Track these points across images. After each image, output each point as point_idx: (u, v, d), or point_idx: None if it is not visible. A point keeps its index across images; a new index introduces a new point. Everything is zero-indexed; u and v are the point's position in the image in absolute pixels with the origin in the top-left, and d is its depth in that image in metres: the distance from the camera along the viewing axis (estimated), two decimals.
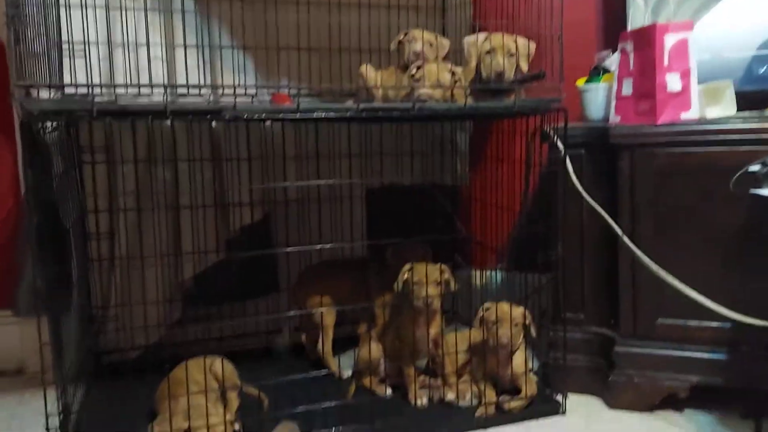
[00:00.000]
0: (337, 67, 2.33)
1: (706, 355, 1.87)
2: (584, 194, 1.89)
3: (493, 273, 2.56)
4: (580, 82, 2.22)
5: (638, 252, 1.80)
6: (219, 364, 1.83)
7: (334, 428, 1.70)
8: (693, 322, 1.87)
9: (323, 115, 1.66)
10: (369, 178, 2.45)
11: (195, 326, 2.25)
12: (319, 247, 1.89)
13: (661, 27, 1.86)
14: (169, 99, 2.09)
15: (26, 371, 2.22)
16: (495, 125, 2.51)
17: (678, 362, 1.88)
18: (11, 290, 2.13)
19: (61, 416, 1.52)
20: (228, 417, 1.65)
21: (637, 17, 2.22)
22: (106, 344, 2.18)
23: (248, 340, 2.30)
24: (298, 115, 1.63)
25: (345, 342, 2.21)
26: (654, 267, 1.77)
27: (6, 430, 1.86)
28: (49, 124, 1.75)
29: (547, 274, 1.95)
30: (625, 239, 1.83)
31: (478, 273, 2.59)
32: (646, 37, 1.89)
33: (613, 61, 2.21)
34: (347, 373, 2.11)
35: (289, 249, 2.03)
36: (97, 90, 2.00)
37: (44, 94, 1.88)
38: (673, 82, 1.87)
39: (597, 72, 2.19)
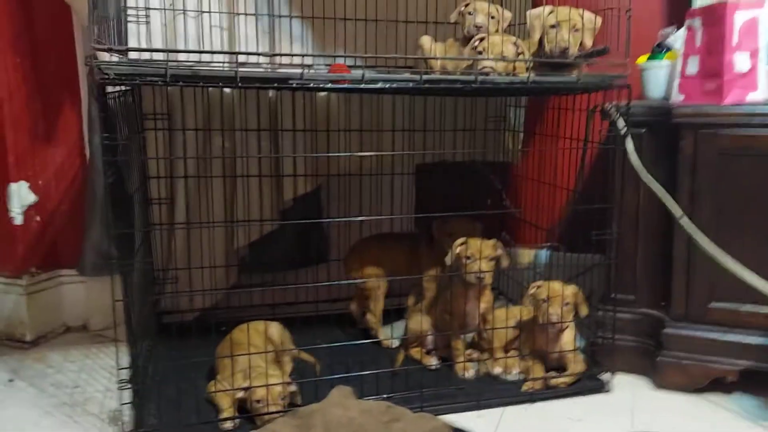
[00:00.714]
0: (393, 39, 2.33)
1: (758, 340, 1.85)
2: (644, 174, 1.86)
3: (541, 252, 2.56)
4: (642, 60, 2.17)
5: (697, 233, 1.78)
6: (275, 329, 1.90)
7: (385, 395, 1.75)
8: (746, 307, 1.86)
9: (387, 85, 1.66)
10: (419, 152, 2.46)
11: (249, 291, 2.32)
12: (364, 218, 1.92)
13: (732, 4, 1.81)
14: (228, 67, 2.18)
15: (90, 328, 2.33)
16: (550, 101, 2.48)
17: (728, 346, 1.87)
18: (77, 251, 2.22)
19: (131, 370, 1.59)
20: (285, 378, 1.71)
21: None
22: (165, 305, 2.27)
23: (299, 308, 2.36)
24: (362, 85, 1.64)
25: (392, 314, 2.25)
26: (712, 248, 1.75)
27: (76, 382, 1.97)
28: (116, 89, 1.80)
29: (597, 255, 1.94)
30: (685, 220, 1.81)
31: (525, 251, 2.60)
32: (716, 14, 1.84)
33: (677, 38, 2.15)
34: (395, 342, 2.16)
35: (337, 220, 2.06)
36: (160, 56, 2.08)
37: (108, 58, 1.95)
38: (741, 61, 1.82)
39: (660, 49, 2.14)
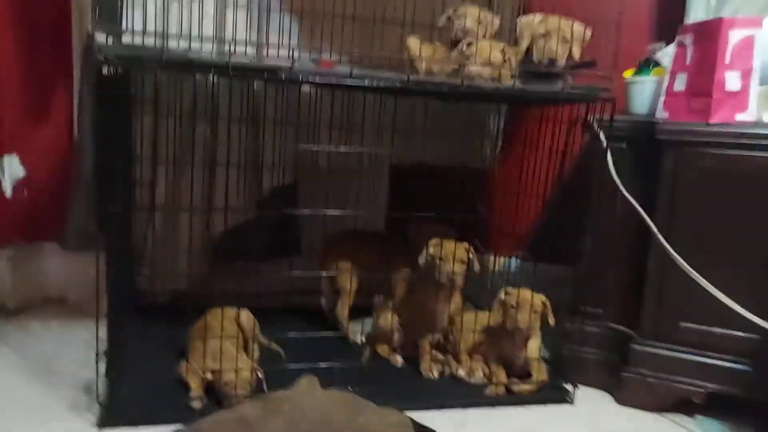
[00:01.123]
0: (379, 39, 2.32)
1: (726, 364, 1.85)
2: (622, 189, 1.86)
3: (510, 260, 2.55)
4: (628, 74, 2.16)
5: (672, 251, 1.78)
6: (245, 316, 1.93)
7: (350, 387, 1.76)
8: (717, 330, 1.85)
9: (374, 83, 1.67)
10: (395, 152, 2.46)
11: (220, 279, 2.35)
12: (337, 212, 1.94)
13: (728, 21, 1.79)
14: (215, 55, 2.20)
15: (68, 301, 2.37)
16: (529, 111, 2.47)
17: (696, 368, 1.87)
18: (60, 226, 2.26)
19: (108, 344, 1.64)
20: (251, 364, 1.74)
21: (698, 10, 2.13)
22: (140, 286, 2.30)
23: (267, 299, 2.38)
24: (348, 81, 1.65)
25: (360, 311, 2.27)
26: (686, 267, 1.75)
27: (56, 352, 2.02)
28: (107, 71, 1.82)
29: (567, 267, 1.94)
30: (659, 237, 1.80)
31: (494, 258, 2.59)
32: (710, 31, 1.82)
33: (665, 54, 2.14)
34: (360, 338, 2.17)
35: (308, 212, 2.07)
36: (150, 40, 2.10)
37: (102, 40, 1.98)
38: (732, 80, 1.80)
39: (647, 64, 2.13)
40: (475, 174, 2.57)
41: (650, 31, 2.34)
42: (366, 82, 1.68)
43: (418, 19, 2.28)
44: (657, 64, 2.09)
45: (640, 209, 1.85)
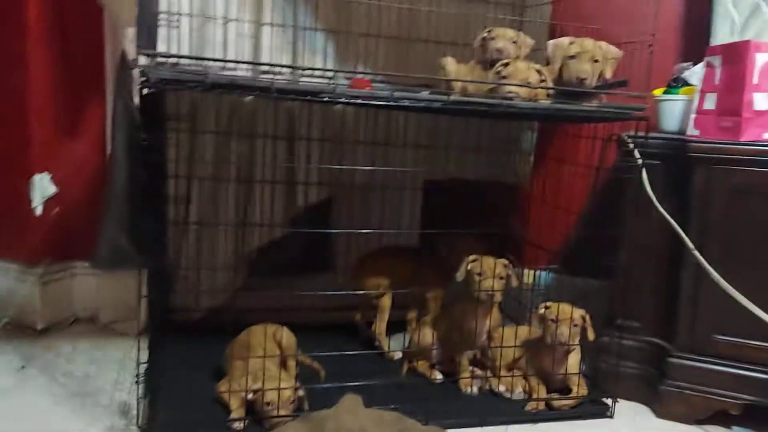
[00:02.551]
0: (412, 58, 2.37)
1: (763, 376, 1.88)
2: (658, 206, 1.90)
3: (543, 273, 2.59)
4: (658, 92, 2.21)
5: (706, 265, 1.81)
6: (284, 333, 1.92)
7: (392, 405, 1.77)
8: (753, 342, 1.88)
9: (415, 104, 1.70)
10: (429, 169, 2.49)
11: (256, 295, 2.35)
12: (369, 231, 1.95)
13: (755, 44, 1.85)
14: (251, 75, 2.23)
15: (99, 320, 2.34)
16: (560, 127, 2.52)
17: (733, 380, 1.90)
18: (91, 244, 2.24)
19: (147, 366, 1.62)
20: (292, 382, 1.73)
21: (722, 30, 2.20)
22: (173, 303, 2.29)
23: (303, 315, 2.38)
24: (390, 102, 1.68)
25: (395, 326, 2.27)
26: (722, 281, 1.78)
27: (86, 373, 1.99)
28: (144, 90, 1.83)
29: (600, 280, 1.97)
30: (695, 253, 1.84)
31: (527, 272, 2.62)
32: (737, 54, 1.89)
33: (693, 73, 2.20)
34: (398, 355, 2.18)
35: (340, 231, 2.09)
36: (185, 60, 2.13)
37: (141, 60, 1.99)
38: (760, 100, 1.86)
39: (676, 83, 2.19)
40: (508, 189, 2.61)
41: (677, 51, 2.41)
42: (407, 103, 1.71)
43: (450, 38, 2.35)
44: (686, 83, 2.15)
45: (674, 224, 1.89)
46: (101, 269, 2.25)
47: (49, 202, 2.25)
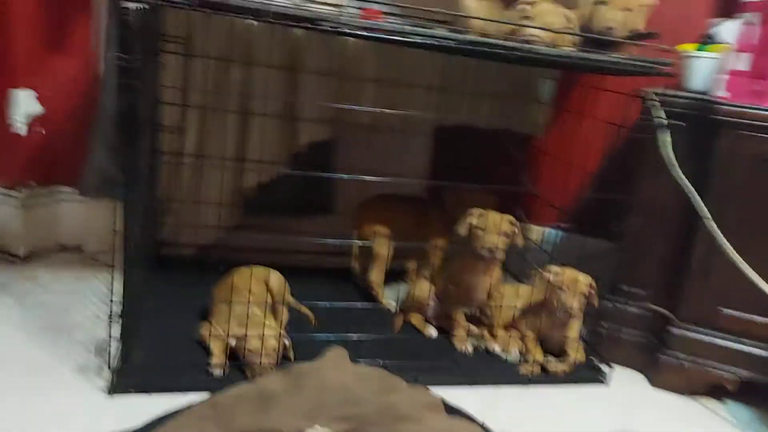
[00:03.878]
0: None
1: (764, 353, 1.82)
2: (677, 170, 1.79)
3: (552, 231, 2.51)
4: (688, 48, 2.07)
5: (720, 236, 1.73)
6: (275, 277, 1.85)
7: (380, 360, 1.71)
8: (759, 318, 1.82)
9: (426, 41, 1.57)
10: (441, 113, 2.36)
11: (250, 234, 2.26)
12: (373, 179, 1.84)
13: None
14: None
15: (85, 249, 2.26)
16: (583, 78, 2.38)
17: (733, 355, 1.84)
18: (79, 169, 2.14)
19: (123, 303, 1.53)
20: (278, 329, 1.66)
21: None
22: (165, 237, 2.20)
23: (299, 257, 2.31)
24: (398, 38, 1.55)
25: (392, 275, 2.19)
26: (734, 254, 1.70)
27: (65, 305, 1.91)
28: (136, 5, 1.69)
29: (609, 242, 1.88)
30: (710, 223, 1.75)
31: (536, 229, 2.55)
32: None
33: (726, 31, 2.05)
34: (393, 305, 2.12)
35: (345, 176, 2.00)
36: None
37: None
38: None
39: (708, 40, 2.04)
40: (522, 139, 2.48)
41: (710, 6, 2.24)
42: (418, 40, 1.57)
43: None
44: (718, 40, 2.00)
45: (693, 192, 1.79)
46: (88, 196, 2.15)
47: (34, 123, 2.13)
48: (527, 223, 2.53)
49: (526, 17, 1.68)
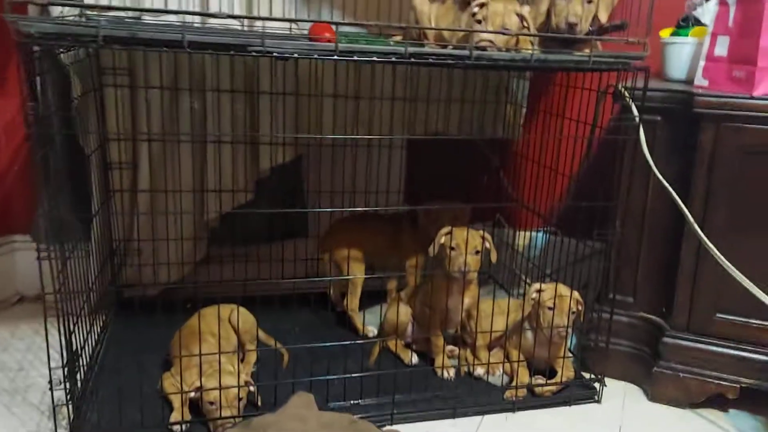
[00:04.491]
0: None
1: (764, 358, 1.70)
2: (656, 172, 1.67)
3: (539, 235, 2.38)
4: (665, 34, 1.93)
5: (707, 242, 1.61)
6: (240, 315, 1.74)
7: (351, 401, 1.61)
8: (755, 322, 1.70)
9: (365, 58, 1.45)
10: (412, 127, 2.23)
11: (219, 266, 2.16)
12: (348, 210, 1.74)
13: None
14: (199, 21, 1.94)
15: (45, 300, 2.16)
16: (556, 76, 2.24)
17: (732, 362, 1.72)
18: (31, 215, 2.05)
19: (68, 362, 1.44)
20: (243, 377, 1.56)
21: None
22: (126, 278, 2.10)
23: (272, 285, 2.20)
24: (335, 57, 1.43)
25: (373, 296, 2.08)
26: (721, 258, 1.58)
27: (21, 364, 1.82)
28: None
29: (598, 244, 1.76)
30: (696, 228, 1.62)
31: (521, 234, 2.42)
32: None
33: (706, 11, 1.91)
34: (372, 331, 2.01)
35: (317, 210, 1.94)
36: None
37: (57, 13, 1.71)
38: None
39: (686, 24, 1.90)
40: (499, 144, 2.36)
41: None
42: (355, 57, 1.45)
43: None
44: (698, 22, 1.86)
45: (673, 194, 1.66)
46: (43, 242, 2.05)
47: None
48: (509, 228, 2.42)
49: (478, 21, 1.55)
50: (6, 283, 2.14)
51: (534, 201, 2.12)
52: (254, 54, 1.37)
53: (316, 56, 1.42)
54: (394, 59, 1.47)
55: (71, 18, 1.81)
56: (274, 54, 1.38)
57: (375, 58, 1.46)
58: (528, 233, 2.42)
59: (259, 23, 1.89)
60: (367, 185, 2.22)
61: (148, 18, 1.86)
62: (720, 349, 1.73)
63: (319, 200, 2.23)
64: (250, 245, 2.24)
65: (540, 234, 2.38)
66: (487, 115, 2.31)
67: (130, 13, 1.85)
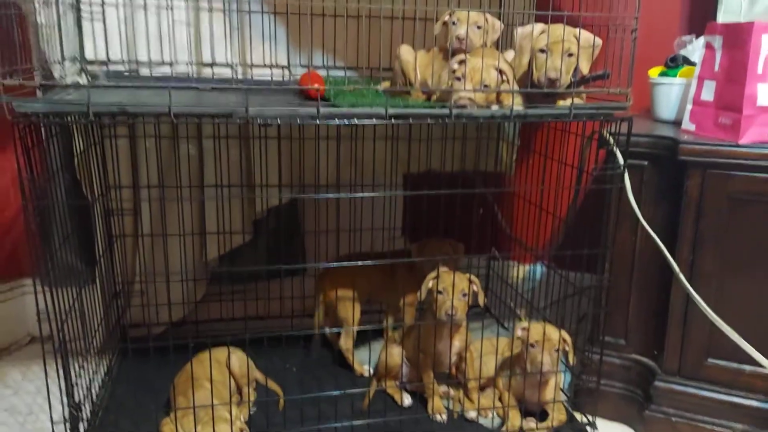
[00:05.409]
0: (377, 38, 2.10)
1: (756, 404, 1.69)
2: (642, 220, 1.67)
3: (535, 268, 2.39)
4: (654, 73, 1.92)
5: (692, 291, 1.60)
6: (235, 359, 1.79)
7: None
8: (747, 367, 1.69)
9: (345, 122, 1.48)
10: (408, 161, 2.27)
11: (219, 305, 2.22)
12: (347, 264, 1.79)
13: (760, 26, 1.55)
14: (194, 70, 2.01)
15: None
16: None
17: (724, 407, 1.72)
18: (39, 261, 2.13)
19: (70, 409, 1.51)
20: (238, 425, 1.61)
21: (731, 4, 1.87)
22: (131, 319, 2.18)
23: (272, 322, 2.26)
24: (317, 122, 1.46)
25: (370, 334, 2.11)
26: (706, 309, 1.57)
27: (31, 407, 1.88)
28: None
29: (593, 276, 1.77)
30: (681, 277, 1.62)
31: (516, 266, 2.44)
32: (740, 36, 1.59)
33: (695, 49, 1.90)
34: (367, 369, 2.05)
35: (315, 265, 1.99)
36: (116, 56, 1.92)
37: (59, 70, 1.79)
38: (765, 94, 1.57)
39: (675, 63, 1.89)
40: (494, 179, 2.39)
41: (681, 23, 2.08)
42: (336, 121, 1.48)
43: (414, 11, 2.07)
44: (687, 60, 1.85)
45: (658, 241, 1.66)
46: (51, 286, 2.13)
47: None
48: (508, 261, 2.43)
49: (458, 78, 1.57)
50: (18, 325, 2.22)
51: (529, 235, 2.13)
52: (238, 121, 1.41)
53: (298, 121, 1.46)
54: (375, 121, 1.49)
55: (73, 74, 1.90)
56: (258, 121, 1.42)
57: (355, 121, 1.49)
58: (523, 267, 2.44)
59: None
60: (364, 222, 2.26)
61: (145, 70, 1.95)
62: (712, 395, 1.73)
63: (316, 238, 2.28)
64: (250, 283, 2.29)
65: (534, 267, 2.39)
66: (480, 151, 2.33)
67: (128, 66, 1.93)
